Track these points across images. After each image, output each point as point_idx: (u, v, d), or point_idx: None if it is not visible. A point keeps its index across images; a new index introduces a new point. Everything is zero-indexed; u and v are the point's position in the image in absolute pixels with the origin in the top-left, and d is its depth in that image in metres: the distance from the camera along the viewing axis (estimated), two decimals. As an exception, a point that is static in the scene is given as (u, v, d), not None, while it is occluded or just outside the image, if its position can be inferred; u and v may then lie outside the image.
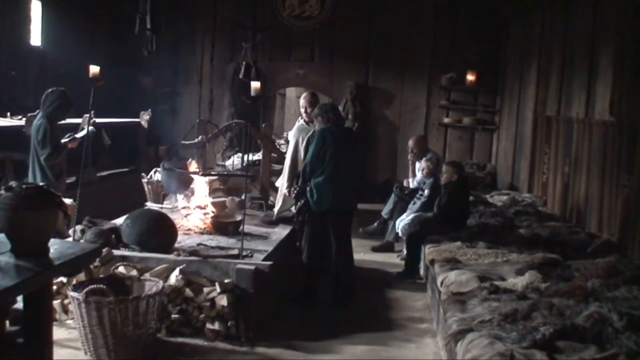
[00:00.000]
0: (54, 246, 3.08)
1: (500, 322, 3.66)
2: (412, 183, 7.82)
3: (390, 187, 8.70)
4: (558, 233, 6.06)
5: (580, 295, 3.96)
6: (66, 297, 4.59)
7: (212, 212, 6.31)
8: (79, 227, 5.18)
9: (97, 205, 6.82)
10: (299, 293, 5.54)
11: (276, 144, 7.71)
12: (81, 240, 4.96)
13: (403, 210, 7.42)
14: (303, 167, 5.53)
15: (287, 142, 7.99)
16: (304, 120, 6.26)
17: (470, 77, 10.60)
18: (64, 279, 4.63)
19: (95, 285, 4.12)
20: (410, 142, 8.02)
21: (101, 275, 4.60)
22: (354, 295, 5.60)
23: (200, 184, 6.61)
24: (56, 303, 4.61)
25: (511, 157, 9.70)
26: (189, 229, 5.86)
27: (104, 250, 4.67)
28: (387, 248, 7.57)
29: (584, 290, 4.06)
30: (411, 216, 7.07)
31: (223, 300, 4.50)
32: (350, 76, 10.85)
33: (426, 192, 7.24)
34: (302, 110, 6.26)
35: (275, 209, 6.45)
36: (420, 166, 7.54)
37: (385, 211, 7.85)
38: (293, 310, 5.34)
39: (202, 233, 5.78)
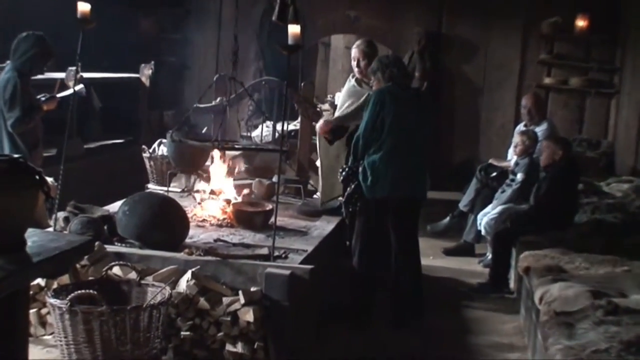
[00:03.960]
0: (32, 238, 3.09)
1: (621, 353, 3.65)
2: (512, 161, 7.68)
3: (470, 169, 8.63)
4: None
5: None
6: (44, 305, 4.64)
7: (235, 198, 6.33)
8: (61, 215, 5.22)
9: (84, 186, 6.87)
10: (348, 308, 5.55)
11: (319, 109, 7.63)
12: (64, 232, 5.01)
13: (488, 201, 7.39)
14: (354, 141, 5.55)
15: (334, 107, 8.01)
16: (357, 79, 6.26)
17: (580, 23, 10.41)
18: (41, 282, 4.68)
19: (82, 291, 4.12)
20: (526, 101, 7.95)
21: (90, 278, 4.62)
22: (420, 313, 5.60)
23: (219, 161, 6.59)
24: (31, 313, 4.65)
25: (635, 131, 9.51)
26: (204, 220, 5.88)
27: (95, 245, 4.69)
28: (465, 251, 7.57)
29: None
30: (499, 209, 7.05)
31: (248, 315, 4.51)
32: (418, 21, 10.78)
33: (519, 176, 7.18)
34: (354, 64, 6.27)
35: (318, 196, 6.45)
36: (513, 141, 7.46)
37: (463, 202, 7.82)
38: (339, 331, 5.35)
39: (220, 225, 5.80)
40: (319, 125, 6.31)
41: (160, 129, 9.23)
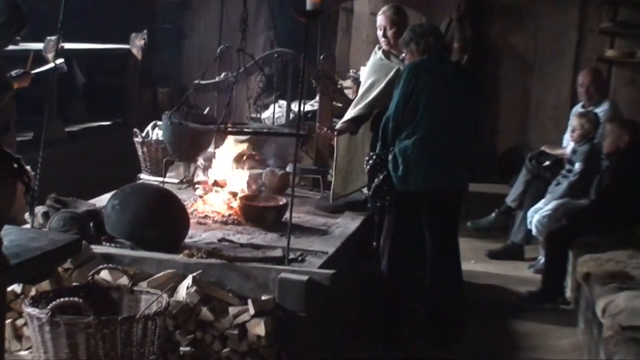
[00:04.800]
0: (9, 237, 3.09)
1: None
2: (568, 148, 7.67)
3: (518, 158, 8.60)
4: None
5: None
6: (20, 315, 4.62)
7: (242, 191, 6.33)
8: (40, 210, 5.25)
9: (66, 176, 6.91)
10: (376, 320, 5.57)
11: (340, 86, 7.63)
12: (44, 229, 5.02)
13: (540, 196, 7.39)
14: (382, 124, 5.56)
15: (357, 83, 8.05)
16: (384, 51, 6.28)
17: (650, -16, 10.33)
18: (17, 288, 4.66)
19: (65, 299, 4.06)
20: (583, 78, 7.95)
21: (75, 284, 4.62)
22: (460, 326, 5.60)
23: (224, 147, 6.63)
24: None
25: None
26: (206, 217, 5.91)
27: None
28: (513, 253, 7.58)
29: None
30: (553, 204, 7.06)
31: (259, 328, 4.49)
32: (457, -18, 10.72)
33: (577, 166, 7.19)
34: (380, 34, 6.30)
35: (339, 188, 6.48)
36: (569, 124, 7.44)
37: (511, 196, 7.81)
38: (365, 346, 5.36)
39: (225, 223, 5.82)
40: (323, 133, 6.53)
41: (154, 110, 9.24)
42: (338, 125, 6.38)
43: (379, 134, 5.57)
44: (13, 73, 6.15)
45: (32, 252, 3.04)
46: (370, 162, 5.59)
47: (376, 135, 5.72)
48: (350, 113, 6.29)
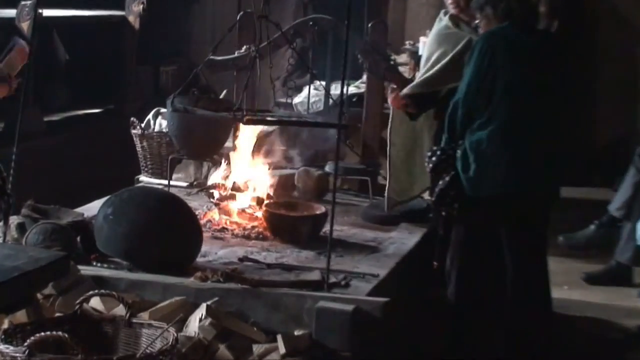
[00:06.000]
0: (-21, 254, 3.10)
1: None
2: None
3: (624, 154, 8.55)
4: None
5: None
6: (-10, 353, 4.71)
7: (269, 197, 6.36)
8: (14, 220, 5.31)
9: (46, 178, 7.06)
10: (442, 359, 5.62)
11: (393, 62, 7.61)
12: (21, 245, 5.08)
13: (652, 202, 7.34)
14: (449, 111, 5.54)
15: (416, 59, 8.12)
16: (451, 16, 6.30)
17: None
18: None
19: (47, 333, 3.97)
20: None
21: (58, 314, 4.65)
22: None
23: (245, 140, 6.66)
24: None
25: None
26: (224, 229, 5.97)
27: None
28: (618, 277, 7.54)
29: None
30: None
31: (291, 371, 4.55)
32: None
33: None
34: (447, -3, 6.33)
35: (395, 193, 6.50)
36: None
37: (615, 203, 7.74)
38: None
39: (248, 237, 5.89)
40: (389, 97, 6.40)
41: (156, 94, 9.42)
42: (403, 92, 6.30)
43: (445, 123, 5.55)
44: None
45: (8, 273, 3.13)
46: (434, 159, 5.54)
47: (441, 124, 5.72)
48: (409, 88, 6.28)
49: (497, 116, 5.35)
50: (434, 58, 6.21)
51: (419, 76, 6.37)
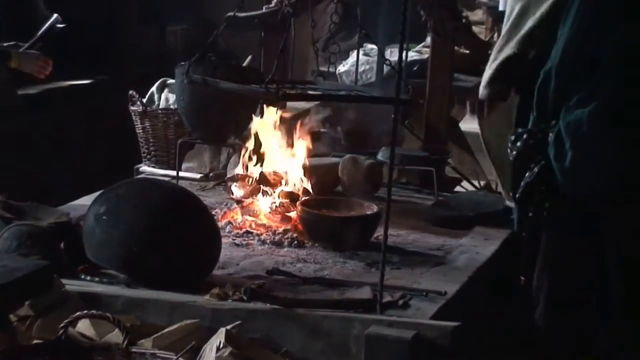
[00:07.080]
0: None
1: None
2: None
3: None
4: None
5: None
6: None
7: (305, 191, 6.09)
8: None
9: (22, 167, 7.11)
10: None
11: (465, 19, 7.49)
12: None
13: None
14: (539, 83, 5.04)
15: (494, 16, 8.21)
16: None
17: None
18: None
19: None
20: None
21: (36, 341, 4.32)
22: None
23: (274, 120, 6.31)
24: None
25: None
26: (248, 233, 5.70)
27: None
28: None
29: None
30: None
31: (333, 415, 4.30)
32: None
33: None
34: None
35: (509, 186, 6.18)
36: None
37: None
38: None
39: (279, 244, 5.57)
40: None
41: (162, 60, 9.21)
42: (481, 93, 5.95)
43: (534, 99, 5.08)
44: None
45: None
46: (518, 144, 5.07)
47: (527, 100, 5.27)
48: (491, 67, 5.84)
49: (602, 90, 4.83)
50: (516, 11, 5.75)
51: (501, 38, 5.94)
